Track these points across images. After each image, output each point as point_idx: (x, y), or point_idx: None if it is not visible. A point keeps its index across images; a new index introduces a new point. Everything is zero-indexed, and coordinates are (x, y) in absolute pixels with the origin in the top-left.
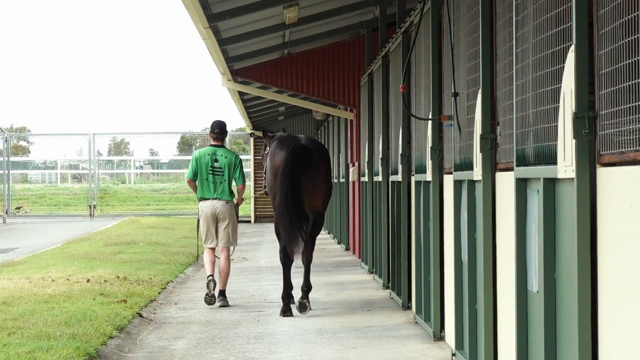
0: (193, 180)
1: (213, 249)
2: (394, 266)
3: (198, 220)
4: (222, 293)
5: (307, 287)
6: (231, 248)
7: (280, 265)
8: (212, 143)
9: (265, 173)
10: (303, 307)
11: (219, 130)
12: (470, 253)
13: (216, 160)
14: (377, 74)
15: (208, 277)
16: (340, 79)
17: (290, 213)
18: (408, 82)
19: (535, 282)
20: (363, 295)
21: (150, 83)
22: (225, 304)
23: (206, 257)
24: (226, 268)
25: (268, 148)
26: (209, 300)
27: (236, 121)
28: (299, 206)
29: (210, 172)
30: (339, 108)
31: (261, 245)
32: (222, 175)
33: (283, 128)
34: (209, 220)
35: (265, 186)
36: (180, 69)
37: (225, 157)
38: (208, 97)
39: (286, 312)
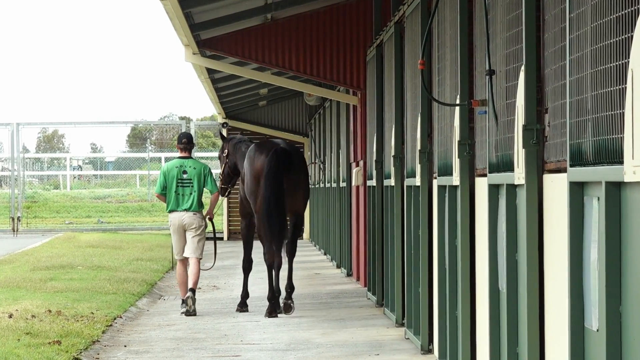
0: (162, 194)
1: (184, 263)
2: (410, 297)
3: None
4: (192, 290)
5: (290, 288)
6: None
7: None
8: (180, 155)
9: (222, 175)
10: (288, 307)
11: (186, 140)
12: (510, 280)
13: (184, 172)
14: (388, 46)
15: (182, 298)
16: (340, 52)
17: (271, 214)
18: (429, 57)
19: (595, 318)
20: (370, 334)
21: (92, 60)
22: (192, 301)
23: (179, 275)
24: (196, 270)
25: (226, 151)
26: (192, 312)
27: (205, 108)
28: (282, 207)
29: (179, 184)
30: (338, 90)
31: (237, 269)
32: (191, 186)
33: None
34: (177, 231)
35: (223, 189)
36: (131, 41)
37: (194, 168)
38: (167, 77)
39: (272, 313)
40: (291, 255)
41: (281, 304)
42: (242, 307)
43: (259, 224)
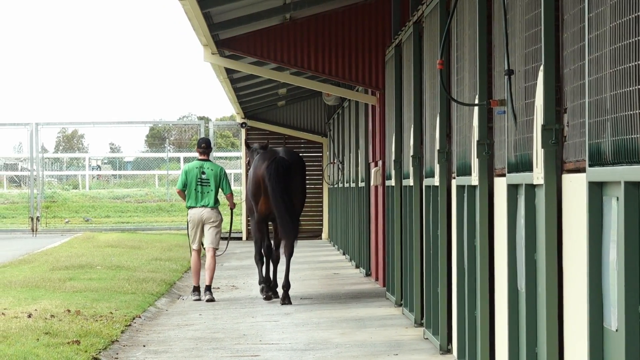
0: (182, 190)
1: (199, 253)
2: (429, 297)
3: (187, 225)
4: (208, 288)
5: (287, 286)
6: (218, 251)
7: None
8: (199, 157)
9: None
10: (285, 303)
11: (205, 145)
12: (529, 280)
13: (203, 173)
14: (407, 46)
15: (194, 286)
16: (358, 52)
17: (286, 213)
18: (448, 56)
19: (614, 318)
20: (389, 334)
21: (111, 60)
22: (212, 299)
23: (193, 264)
24: (212, 265)
25: (248, 159)
26: (198, 299)
27: (223, 108)
28: (292, 204)
29: (199, 183)
30: (357, 90)
31: (255, 269)
32: (209, 185)
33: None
34: (196, 225)
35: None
36: (150, 41)
37: (212, 170)
38: (186, 77)
39: (269, 297)
40: (289, 255)
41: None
42: (267, 292)
43: (259, 221)
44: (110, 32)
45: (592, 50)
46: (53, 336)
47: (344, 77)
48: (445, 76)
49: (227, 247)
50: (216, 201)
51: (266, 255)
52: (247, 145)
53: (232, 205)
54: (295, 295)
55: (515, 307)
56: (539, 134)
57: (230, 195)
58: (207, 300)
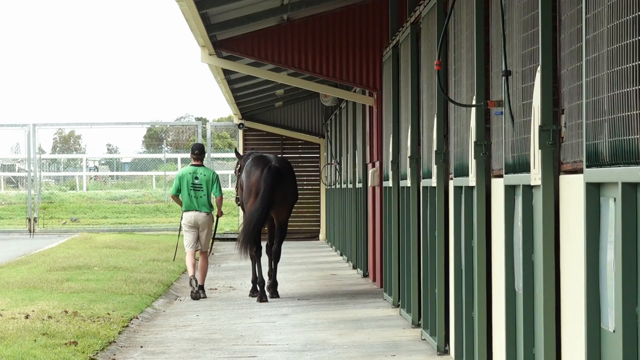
0: (176, 195)
1: (193, 252)
2: (426, 298)
3: (180, 227)
4: (201, 287)
5: (274, 285)
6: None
7: (267, 293)
8: (193, 163)
9: (237, 188)
10: (273, 295)
11: (198, 151)
12: (527, 280)
13: (196, 178)
14: (404, 47)
15: (190, 277)
16: (356, 52)
17: (257, 222)
18: (445, 57)
19: (611, 319)
20: (386, 335)
21: (108, 61)
22: (203, 296)
23: (188, 259)
24: (204, 266)
25: (239, 165)
26: (195, 295)
27: (221, 109)
28: (265, 220)
29: (192, 188)
30: (354, 91)
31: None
32: (202, 190)
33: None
34: (191, 227)
35: (237, 199)
36: (147, 42)
37: (205, 175)
38: (183, 77)
39: (262, 297)
40: (276, 259)
41: (267, 293)
42: (254, 292)
43: (249, 225)
44: (107, 33)
45: (589, 51)
46: (50, 337)
47: (342, 78)
48: (442, 77)
49: (211, 249)
50: (210, 205)
51: (257, 256)
52: (237, 154)
53: (220, 213)
54: (292, 296)
55: (513, 308)
56: (537, 134)
57: (220, 199)
58: (201, 297)
